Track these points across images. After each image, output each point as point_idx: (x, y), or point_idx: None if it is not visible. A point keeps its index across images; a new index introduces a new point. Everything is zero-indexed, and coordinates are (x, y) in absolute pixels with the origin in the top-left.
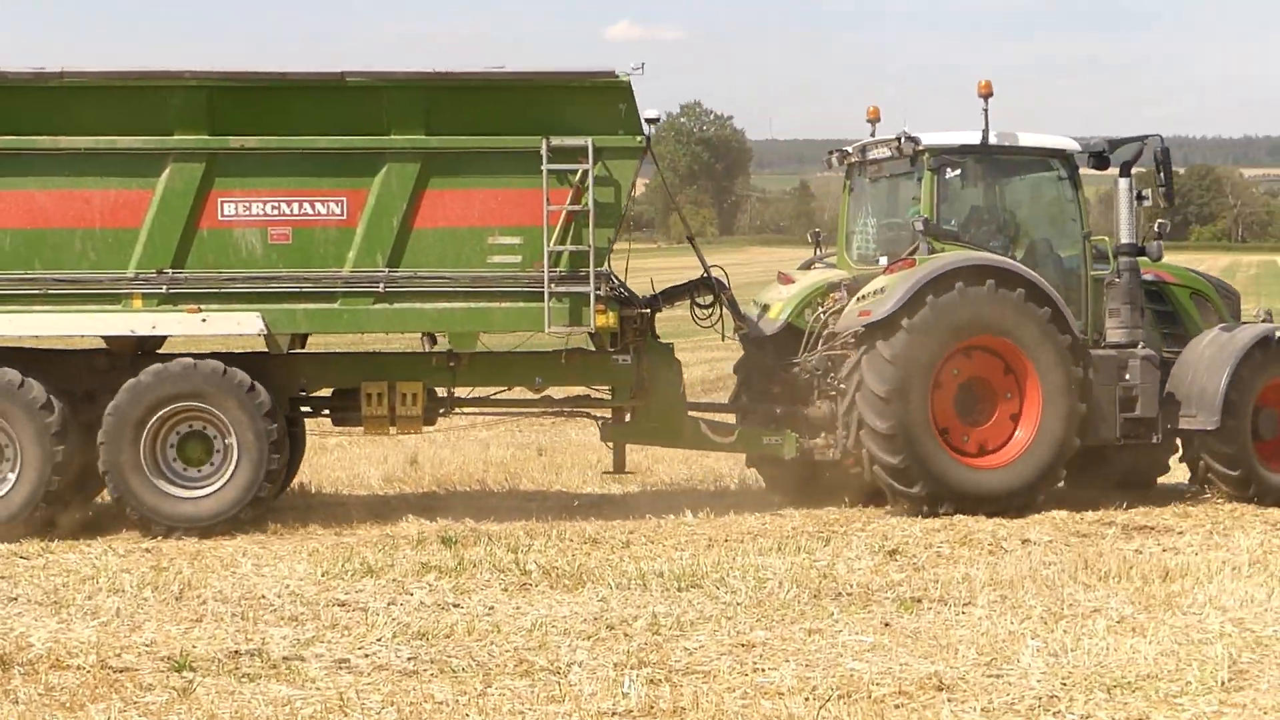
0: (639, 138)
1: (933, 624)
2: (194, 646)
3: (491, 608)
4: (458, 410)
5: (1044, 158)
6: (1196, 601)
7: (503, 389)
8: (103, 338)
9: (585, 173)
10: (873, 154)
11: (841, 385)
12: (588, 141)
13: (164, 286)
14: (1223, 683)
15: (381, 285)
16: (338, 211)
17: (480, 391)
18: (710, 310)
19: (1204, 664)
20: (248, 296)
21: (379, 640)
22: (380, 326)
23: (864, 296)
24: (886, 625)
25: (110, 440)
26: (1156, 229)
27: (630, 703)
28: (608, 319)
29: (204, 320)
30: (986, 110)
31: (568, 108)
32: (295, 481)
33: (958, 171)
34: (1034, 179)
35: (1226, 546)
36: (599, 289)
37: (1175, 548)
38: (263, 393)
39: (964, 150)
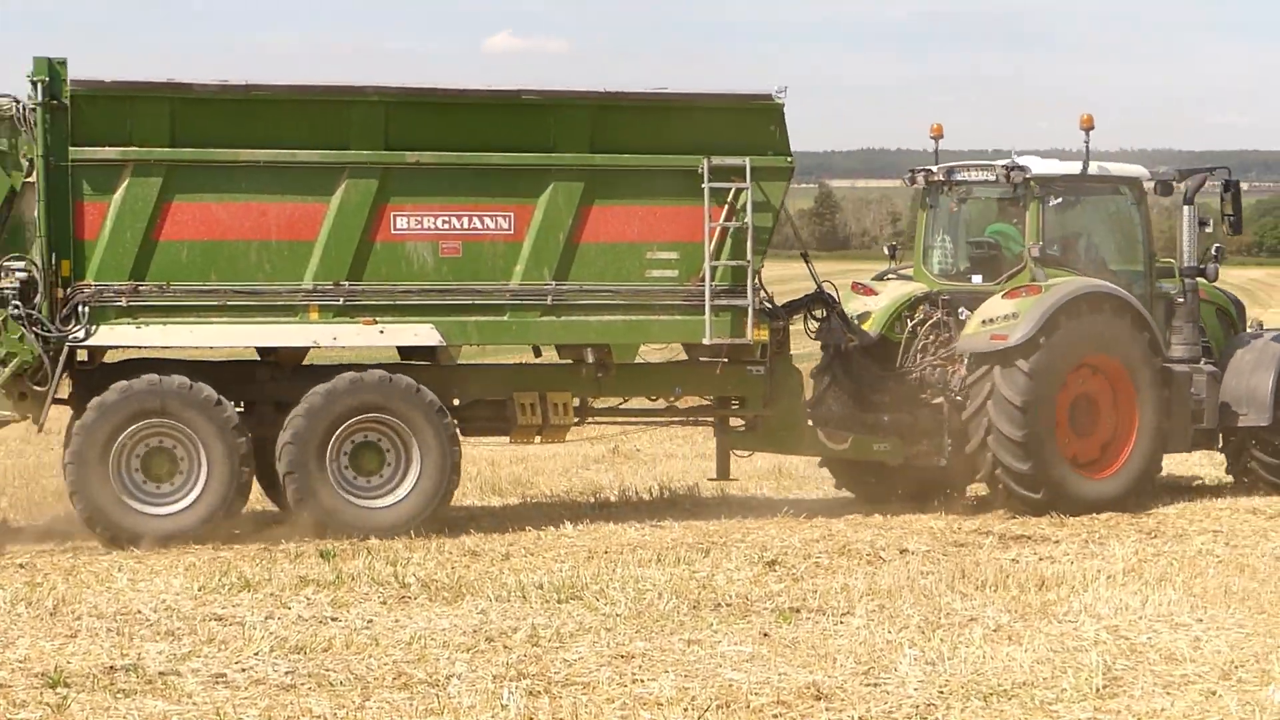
0: (789, 158)
1: (811, 634)
2: (68, 663)
3: (370, 621)
4: (593, 420)
5: (1121, 185)
6: (1072, 610)
7: (636, 399)
8: (258, 349)
9: (742, 191)
10: (962, 176)
11: (962, 396)
12: (745, 161)
13: (340, 299)
14: (1097, 689)
15: (549, 298)
16: (505, 226)
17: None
18: (824, 323)
19: (1079, 671)
20: (421, 309)
21: (256, 654)
22: (547, 338)
23: (991, 320)
24: (765, 635)
25: (298, 447)
26: (1214, 252)
27: (509, 715)
28: (761, 332)
29: (382, 332)
30: (1088, 142)
31: (725, 128)
32: None
33: (1059, 200)
34: (1114, 204)
35: (1101, 555)
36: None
37: (1051, 556)
38: (439, 403)
39: (1066, 180)
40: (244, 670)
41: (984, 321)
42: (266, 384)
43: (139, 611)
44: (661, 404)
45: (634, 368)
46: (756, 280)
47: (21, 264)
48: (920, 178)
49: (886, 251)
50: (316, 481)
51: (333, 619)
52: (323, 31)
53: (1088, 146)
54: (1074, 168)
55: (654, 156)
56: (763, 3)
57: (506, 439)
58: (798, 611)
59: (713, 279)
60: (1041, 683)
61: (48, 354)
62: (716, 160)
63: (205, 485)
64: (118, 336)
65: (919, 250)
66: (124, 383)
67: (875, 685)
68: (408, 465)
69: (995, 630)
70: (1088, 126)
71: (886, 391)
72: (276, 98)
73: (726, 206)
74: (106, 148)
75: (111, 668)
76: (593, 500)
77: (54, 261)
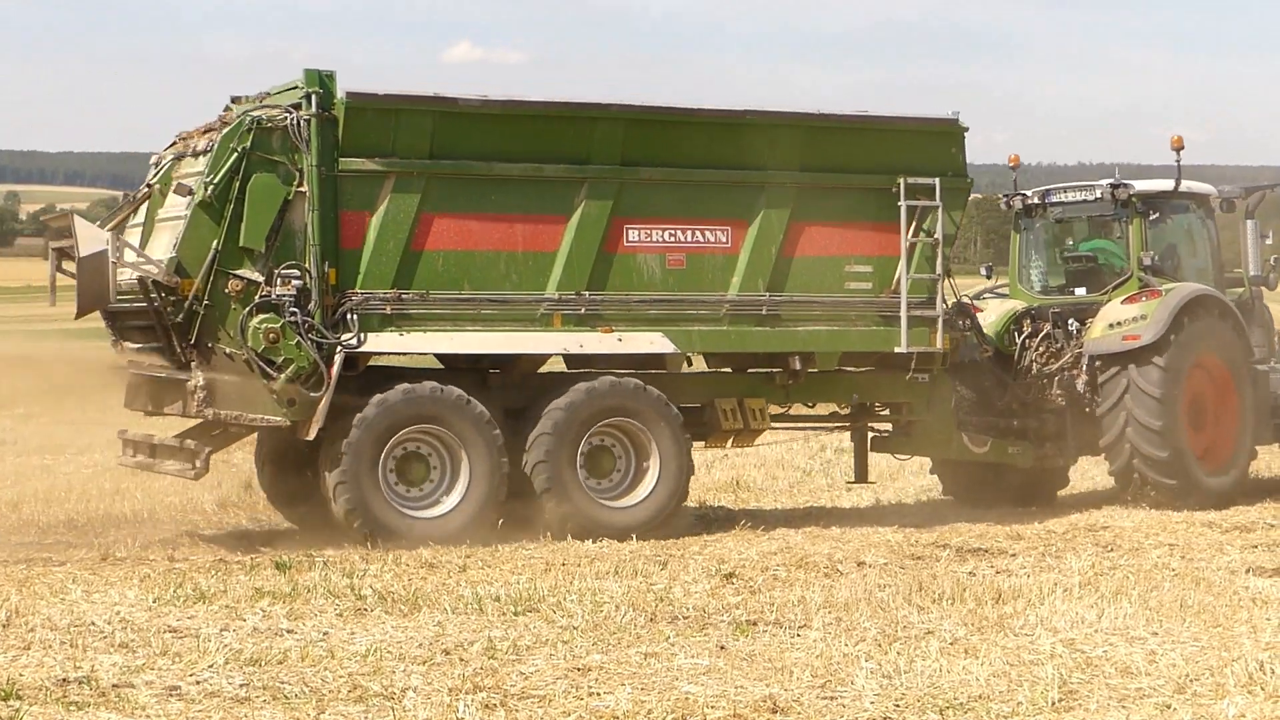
0: (969, 179)
1: (768, 647)
2: (21, 675)
3: (326, 633)
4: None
5: (1197, 201)
6: (1028, 623)
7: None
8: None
9: (931, 209)
10: (1060, 197)
11: (1094, 395)
12: (935, 181)
13: (581, 308)
14: (1053, 703)
15: (764, 309)
16: (724, 240)
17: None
18: (966, 334)
19: (1035, 684)
20: (651, 318)
21: (211, 667)
22: (760, 346)
23: (1119, 323)
24: (722, 648)
25: (552, 450)
26: (1274, 262)
27: None
28: (946, 341)
29: (620, 340)
30: (1179, 161)
31: (917, 150)
32: (128, 506)
33: (1155, 215)
34: (1192, 219)
35: (1058, 568)
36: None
37: (1008, 570)
38: (674, 407)
39: (1161, 196)
40: (198, 683)
41: (1111, 325)
42: (501, 391)
43: (92, 623)
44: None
45: (817, 375)
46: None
47: (297, 272)
48: (1016, 201)
49: (983, 272)
50: (568, 480)
51: (288, 631)
52: (277, 39)
53: (1179, 165)
54: (1167, 185)
55: (855, 175)
56: (719, 14)
57: (701, 443)
58: (755, 624)
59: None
60: (997, 696)
61: (322, 360)
62: (911, 180)
63: (469, 486)
64: (385, 343)
65: (1014, 269)
66: (406, 385)
67: (832, 698)
68: (646, 468)
69: (952, 643)
70: (1178, 147)
71: (1013, 399)
72: (531, 113)
73: (915, 223)
74: (372, 159)
75: (64, 680)
76: None
77: (325, 270)
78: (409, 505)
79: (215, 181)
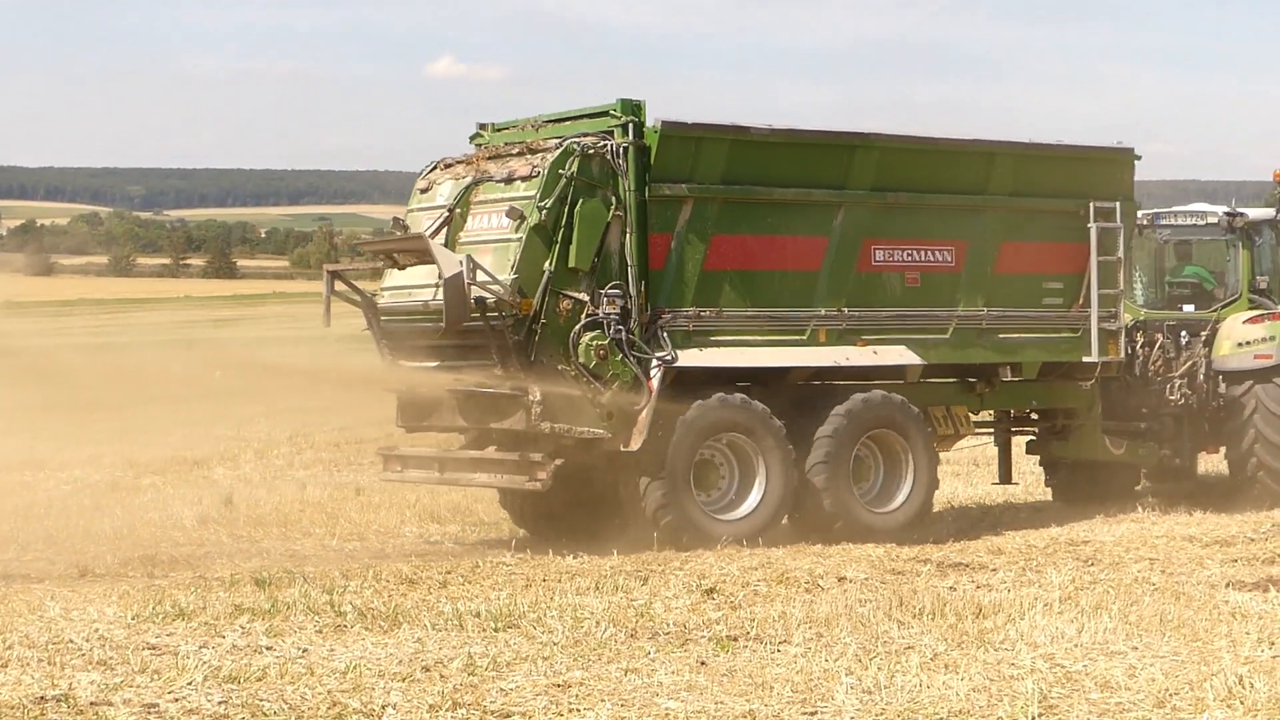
0: (1138, 202)
1: (749, 662)
2: None
3: (305, 650)
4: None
5: (1274, 227)
6: (1008, 638)
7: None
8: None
9: (1117, 230)
10: (1169, 220)
11: (1222, 406)
12: (1117, 204)
13: (842, 323)
14: (1033, 718)
15: (983, 323)
16: (950, 259)
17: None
18: None
19: (1015, 699)
20: (894, 332)
21: (189, 684)
22: (980, 358)
23: (1248, 342)
24: (703, 664)
25: (831, 453)
26: None
27: None
28: (1119, 350)
29: (875, 353)
30: (1279, 192)
31: (1099, 175)
32: (107, 523)
33: (1261, 240)
34: (1272, 243)
35: (1038, 583)
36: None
37: (989, 584)
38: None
39: (1267, 223)
40: (177, 700)
41: (1240, 344)
42: (777, 401)
43: (71, 641)
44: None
45: (1005, 384)
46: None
47: (619, 292)
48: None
49: None
50: (841, 484)
51: (267, 648)
52: (256, 58)
53: (1278, 195)
54: (1269, 213)
55: (1051, 199)
56: (696, 33)
57: None
58: (735, 640)
59: (1086, 304)
60: (978, 711)
61: (643, 375)
62: (1098, 204)
63: (766, 490)
64: (692, 358)
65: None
66: (722, 395)
67: (812, 714)
68: (899, 475)
69: (932, 658)
70: (1278, 180)
71: (1139, 404)
72: (804, 141)
73: (1093, 243)
74: (676, 184)
75: (42, 698)
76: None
77: (643, 289)
78: (709, 508)
79: (548, 206)
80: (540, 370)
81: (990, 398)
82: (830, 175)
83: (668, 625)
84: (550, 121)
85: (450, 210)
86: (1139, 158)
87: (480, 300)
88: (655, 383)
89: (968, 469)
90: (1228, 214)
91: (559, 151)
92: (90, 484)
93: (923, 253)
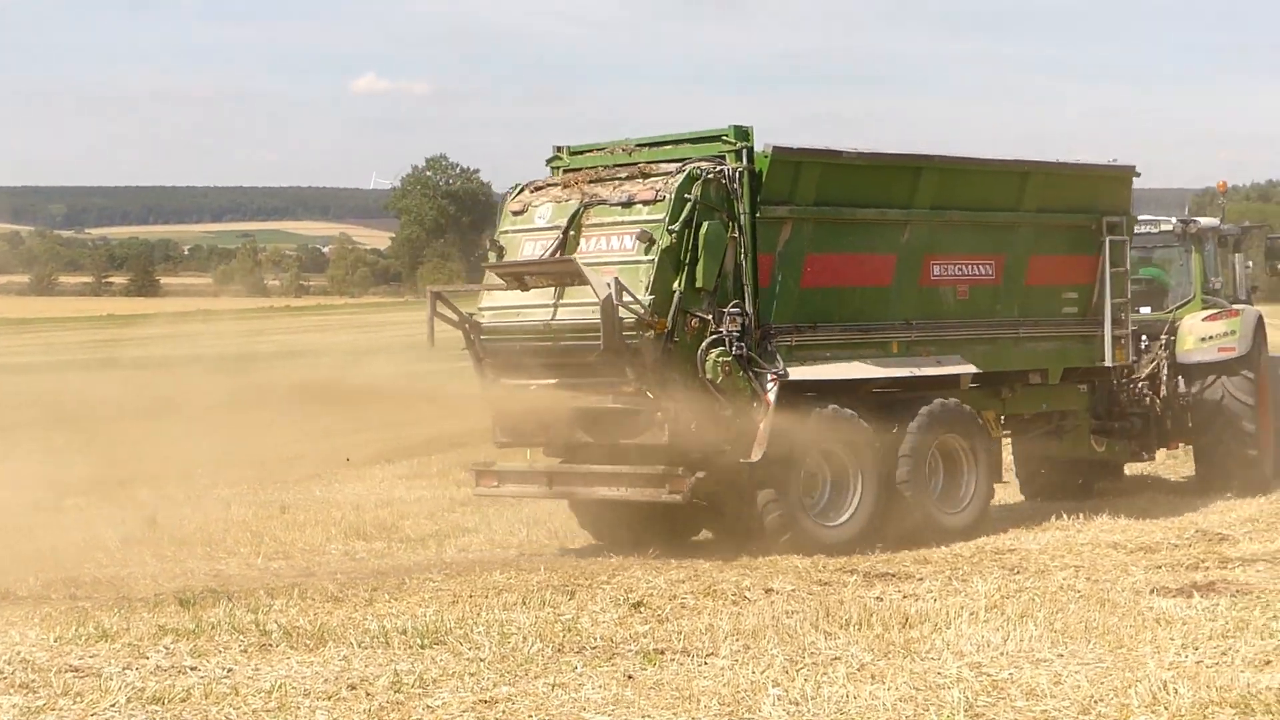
0: (1135, 217)
1: (676, 675)
2: None
3: (230, 670)
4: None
5: (1222, 237)
6: (935, 647)
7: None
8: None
9: (1123, 242)
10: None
11: (1184, 401)
12: (1123, 220)
13: (911, 335)
14: None
15: (1020, 330)
16: (990, 273)
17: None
18: None
19: (941, 708)
20: (950, 342)
21: (113, 706)
22: (1016, 365)
23: (1211, 337)
24: (630, 678)
25: (916, 464)
26: (1250, 285)
27: None
28: (1127, 355)
29: (939, 362)
30: (1224, 204)
31: (1106, 192)
32: (28, 544)
33: (1209, 246)
34: (1217, 251)
35: (965, 592)
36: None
37: (915, 594)
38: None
39: (1212, 231)
40: None
41: (1203, 339)
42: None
43: None
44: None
45: (1022, 388)
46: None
47: (739, 310)
48: None
49: None
50: (924, 496)
51: (192, 668)
52: (185, 74)
53: (1224, 208)
54: (1215, 222)
55: (1067, 215)
56: (620, 48)
57: None
58: (662, 653)
59: (1099, 313)
60: None
61: (761, 389)
62: (1109, 219)
63: (862, 498)
64: (800, 372)
65: None
66: (835, 407)
67: None
68: (964, 476)
69: (859, 669)
70: (1223, 191)
71: (1110, 403)
72: (881, 164)
73: (1105, 255)
74: (780, 206)
75: None
76: (457, 544)
77: (756, 307)
78: (813, 516)
79: (675, 230)
80: (672, 386)
81: (1012, 402)
82: (900, 195)
83: (595, 639)
84: (643, 145)
85: (565, 232)
86: (1139, 175)
87: (621, 320)
88: (771, 396)
89: None
90: (1181, 221)
91: (682, 176)
92: (10, 507)
93: (971, 267)
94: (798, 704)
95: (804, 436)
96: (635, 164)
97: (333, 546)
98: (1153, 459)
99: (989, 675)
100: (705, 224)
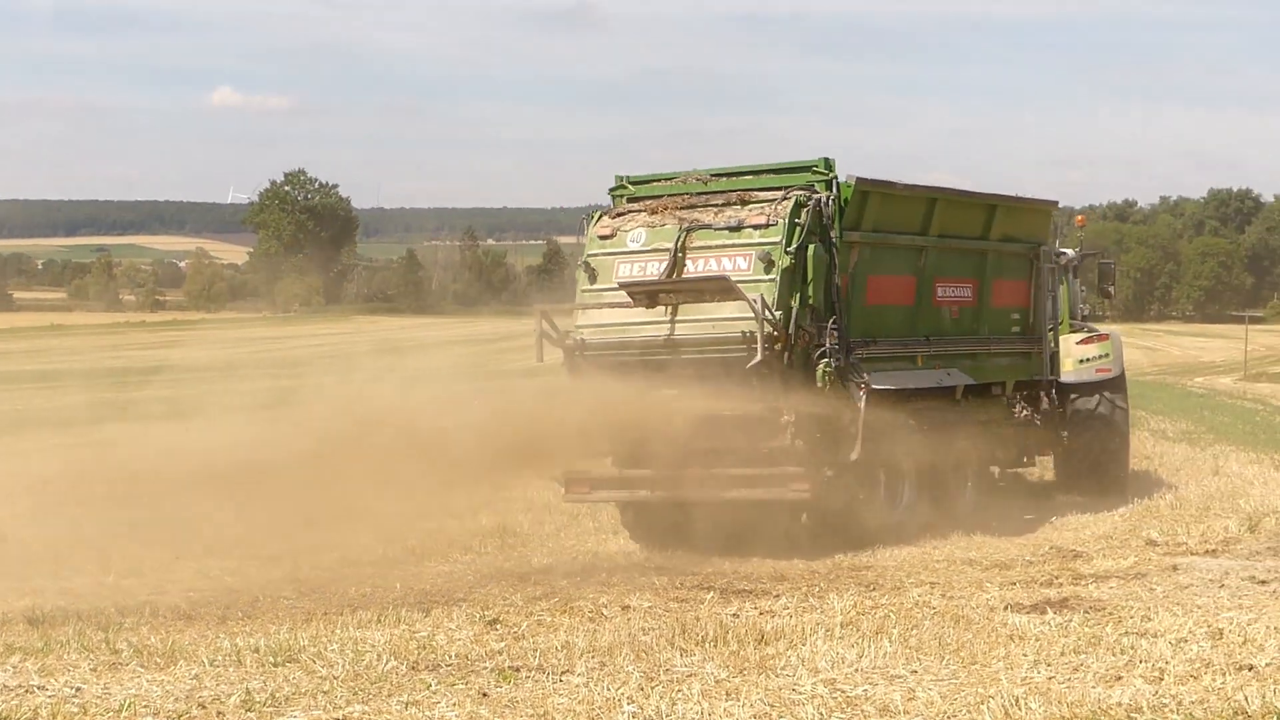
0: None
1: (531, 693)
2: None
3: (79, 689)
4: None
5: (1073, 264)
6: (790, 663)
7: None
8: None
9: (1056, 267)
10: None
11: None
12: (1049, 248)
13: (931, 350)
14: None
15: (990, 347)
16: (970, 295)
17: None
18: None
19: None
20: (948, 356)
21: None
22: (989, 377)
23: (1089, 359)
24: (485, 695)
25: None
26: (1085, 308)
27: None
28: (1057, 370)
29: (948, 374)
30: (1081, 237)
31: (1038, 223)
32: None
33: (1072, 274)
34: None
35: (820, 609)
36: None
37: (771, 610)
38: None
39: (1073, 261)
40: None
41: (1081, 361)
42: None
43: None
44: None
45: (989, 398)
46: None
47: (835, 326)
48: None
49: None
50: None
51: (39, 687)
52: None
53: (1081, 240)
54: (1073, 253)
55: (1014, 244)
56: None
57: None
58: (518, 670)
59: (1037, 331)
60: None
61: (855, 396)
62: (1045, 247)
63: (919, 493)
64: (876, 381)
65: None
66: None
67: None
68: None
69: (714, 686)
70: (1082, 225)
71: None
72: (917, 195)
73: (1038, 279)
74: (852, 232)
75: None
76: (312, 562)
77: (845, 323)
78: (896, 507)
79: (793, 251)
80: (793, 394)
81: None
82: (921, 223)
83: (450, 657)
84: (717, 175)
85: (674, 254)
86: (1059, 208)
87: (751, 334)
88: (863, 403)
89: None
90: (1055, 254)
91: (791, 203)
92: None
93: (960, 289)
94: None
95: (885, 439)
96: (731, 191)
97: (185, 565)
98: (1034, 465)
99: (843, 692)
100: (811, 247)
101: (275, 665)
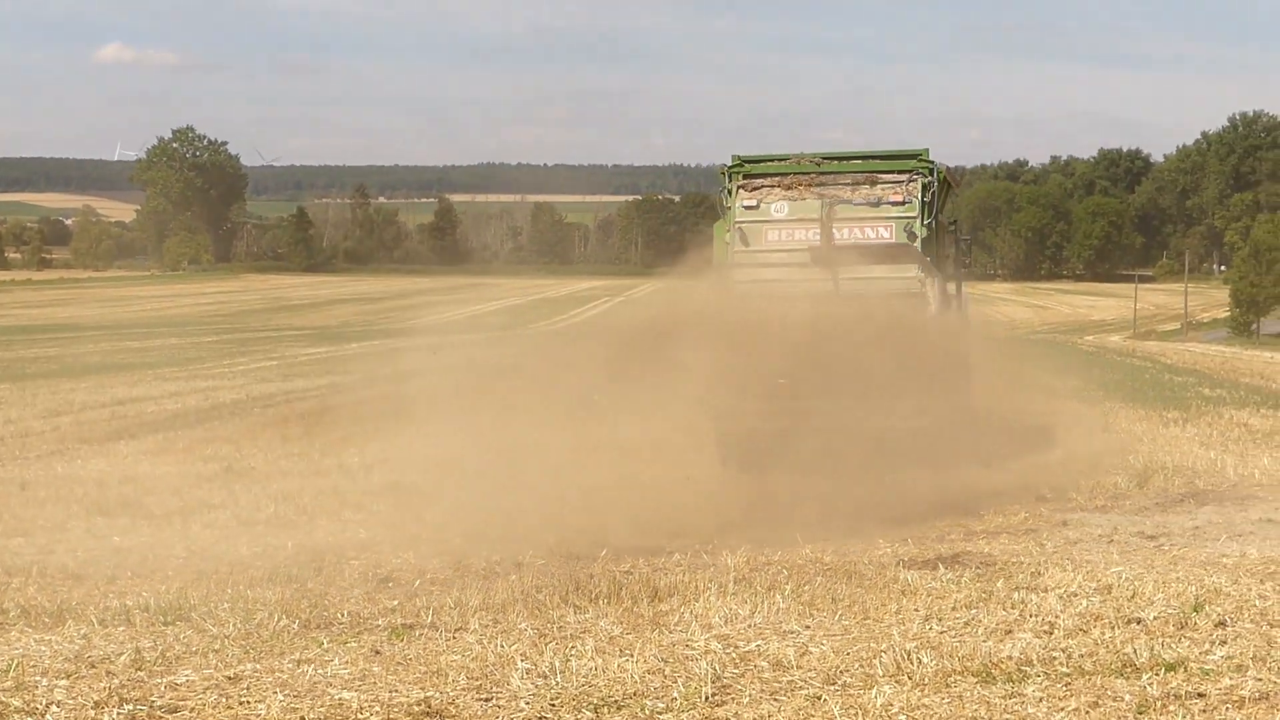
0: None
1: (424, 650)
2: None
3: None
4: None
5: None
6: (683, 619)
7: None
8: None
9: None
10: None
11: None
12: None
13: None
14: (707, 697)
15: None
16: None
17: None
18: None
19: (689, 680)
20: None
21: None
22: None
23: None
24: (377, 653)
25: None
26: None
27: None
28: None
29: None
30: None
31: None
32: None
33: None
34: None
35: (714, 565)
36: None
37: (665, 568)
38: None
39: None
40: None
41: None
42: None
43: None
44: None
45: None
46: None
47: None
48: None
49: None
50: None
51: None
52: None
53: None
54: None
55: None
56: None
57: None
58: (411, 628)
59: None
60: (652, 693)
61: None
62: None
63: None
64: None
65: None
66: None
67: (487, 700)
68: None
69: (608, 642)
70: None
71: None
72: (949, 179)
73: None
74: (938, 217)
75: None
76: (203, 521)
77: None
78: None
79: (929, 223)
80: None
81: None
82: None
83: (342, 615)
84: (828, 159)
85: (823, 224)
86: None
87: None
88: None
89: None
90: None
91: (919, 185)
92: None
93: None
94: (546, 677)
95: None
96: (858, 173)
97: (74, 524)
98: None
99: (737, 647)
100: (934, 222)
101: (165, 624)
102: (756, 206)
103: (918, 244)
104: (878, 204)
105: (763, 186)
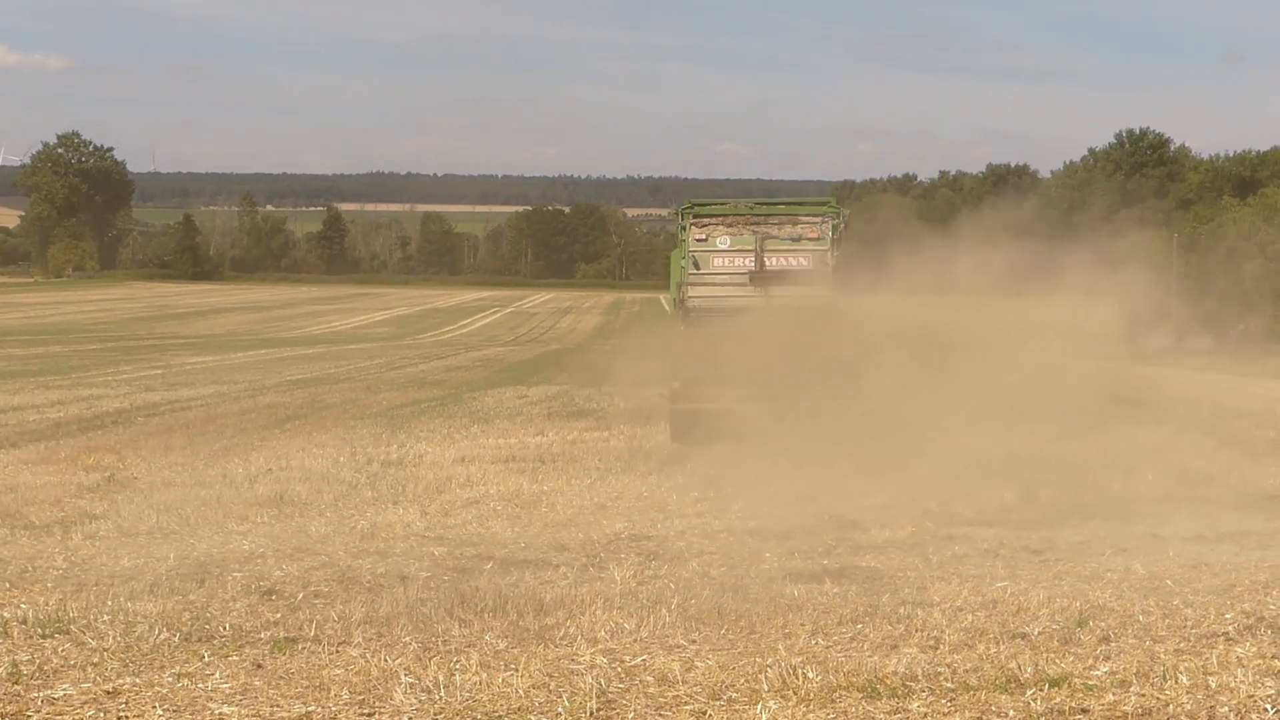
0: None
1: (307, 664)
2: None
3: None
4: None
5: None
6: (569, 633)
7: None
8: None
9: None
10: None
11: None
12: None
13: None
14: (592, 713)
15: None
16: None
17: None
18: None
19: (574, 695)
20: None
21: None
22: None
23: None
24: (259, 667)
25: None
26: None
27: None
28: None
29: None
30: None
31: None
32: None
33: None
34: None
35: (600, 579)
36: None
37: (551, 581)
38: None
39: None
40: None
41: None
42: None
43: None
44: None
45: None
46: None
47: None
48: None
49: None
50: None
51: None
52: None
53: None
54: None
55: None
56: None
57: None
58: (294, 641)
59: None
60: (537, 708)
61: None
62: None
63: None
64: None
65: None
66: None
67: (370, 715)
68: None
69: (493, 656)
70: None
71: None
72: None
73: None
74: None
75: None
76: (84, 531)
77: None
78: None
79: (837, 255)
80: None
81: None
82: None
83: (224, 628)
84: (760, 204)
85: (758, 254)
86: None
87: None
88: None
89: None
90: None
91: (829, 225)
92: None
93: None
94: (430, 692)
95: None
96: (782, 215)
97: None
98: None
99: (622, 662)
100: (841, 253)
101: (44, 637)
102: (706, 239)
103: (829, 270)
104: (799, 240)
105: (710, 224)
